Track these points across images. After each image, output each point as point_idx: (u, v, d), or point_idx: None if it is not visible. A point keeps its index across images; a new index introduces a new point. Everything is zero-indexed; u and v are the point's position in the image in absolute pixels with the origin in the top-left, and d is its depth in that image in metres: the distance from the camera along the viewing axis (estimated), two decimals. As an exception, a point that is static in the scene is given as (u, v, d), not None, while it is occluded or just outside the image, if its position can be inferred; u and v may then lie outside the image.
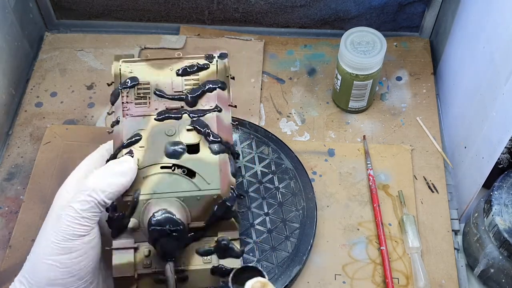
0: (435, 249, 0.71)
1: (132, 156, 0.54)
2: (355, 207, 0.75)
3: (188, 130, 0.57)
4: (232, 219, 0.56)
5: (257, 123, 0.80)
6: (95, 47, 0.91)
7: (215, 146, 0.56)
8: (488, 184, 0.68)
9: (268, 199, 0.73)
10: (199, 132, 0.57)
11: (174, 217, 0.52)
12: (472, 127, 0.72)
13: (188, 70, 0.60)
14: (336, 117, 0.83)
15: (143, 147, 0.56)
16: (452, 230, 0.73)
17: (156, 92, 0.58)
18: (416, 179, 0.77)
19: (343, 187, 0.76)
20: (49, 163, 0.77)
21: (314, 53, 0.90)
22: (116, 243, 0.55)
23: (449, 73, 0.83)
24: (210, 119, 0.58)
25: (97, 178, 0.52)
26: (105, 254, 0.56)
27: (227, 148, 0.57)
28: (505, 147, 0.68)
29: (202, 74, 0.60)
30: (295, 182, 0.74)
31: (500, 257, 0.65)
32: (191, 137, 0.57)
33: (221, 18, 0.92)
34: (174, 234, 0.52)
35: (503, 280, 0.66)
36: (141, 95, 0.58)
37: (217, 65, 0.60)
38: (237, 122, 0.79)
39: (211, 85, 0.59)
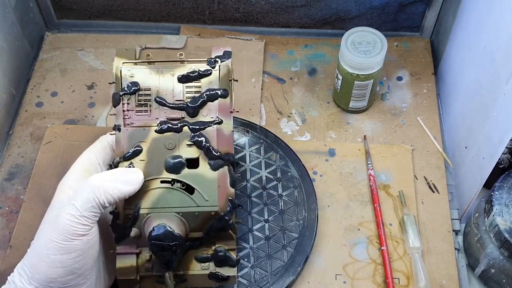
0: (436, 249, 0.71)
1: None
2: (356, 207, 0.75)
3: (188, 145, 0.57)
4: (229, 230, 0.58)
5: (257, 123, 0.80)
6: (96, 47, 0.91)
7: (215, 162, 0.57)
8: (489, 184, 0.68)
9: (270, 206, 0.73)
10: (199, 147, 0.57)
11: (173, 232, 0.54)
12: (473, 127, 0.72)
13: (190, 76, 0.59)
14: (337, 117, 0.83)
15: (144, 160, 0.57)
16: (453, 230, 0.73)
17: (157, 99, 0.58)
18: (417, 179, 0.77)
19: (343, 187, 0.76)
20: (49, 163, 0.77)
21: (315, 53, 0.90)
22: (119, 248, 0.57)
23: (450, 73, 0.83)
24: (210, 132, 0.58)
25: (103, 179, 0.52)
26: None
27: (227, 160, 0.58)
28: (506, 147, 0.68)
29: (204, 81, 0.59)
30: (299, 192, 0.74)
31: (501, 257, 0.65)
32: (191, 151, 0.57)
33: (221, 18, 0.92)
34: (173, 248, 0.54)
35: (504, 281, 0.66)
36: (142, 102, 0.58)
37: (219, 71, 0.59)
38: (248, 128, 0.79)
39: (212, 95, 0.59)
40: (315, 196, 0.73)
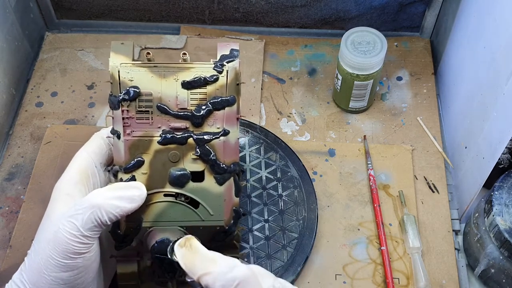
0: (436, 249, 0.71)
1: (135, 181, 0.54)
2: (356, 207, 0.75)
3: (193, 158, 0.54)
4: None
5: (257, 123, 0.80)
6: (96, 47, 0.91)
7: (221, 176, 0.55)
8: (489, 184, 0.68)
9: (270, 206, 0.73)
10: (204, 161, 0.55)
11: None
12: (473, 127, 0.72)
13: (195, 83, 0.54)
14: (337, 117, 0.83)
15: (146, 173, 0.54)
16: (453, 230, 0.73)
17: (160, 106, 0.54)
18: (417, 179, 0.77)
19: (343, 187, 0.76)
20: (49, 163, 0.77)
21: (315, 53, 0.90)
22: (120, 253, 0.56)
23: (450, 73, 0.83)
24: (216, 145, 0.55)
25: (104, 197, 0.50)
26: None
27: (233, 171, 0.55)
28: (506, 147, 0.68)
29: (210, 88, 0.55)
30: (298, 192, 0.74)
31: (501, 257, 0.65)
32: (196, 164, 0.55)
33: (221, 18, 0.92)
34: (176, 261, 0.52)
35: (504, 280, 0.66)
36: (143, 108, 0.54)
37: (227, 76, 0.55)
38: (247, 127, 0.78)
39: (219, 103, 0.54)
40: (315, 196, 0.73)
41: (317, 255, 0.71)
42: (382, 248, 0.71)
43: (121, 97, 0.54)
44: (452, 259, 0.71)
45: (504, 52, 0.63)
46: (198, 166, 0.55)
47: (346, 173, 0.77)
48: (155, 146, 0.54)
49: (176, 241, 0.51)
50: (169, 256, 0.50)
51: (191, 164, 0.55)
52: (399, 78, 0.87)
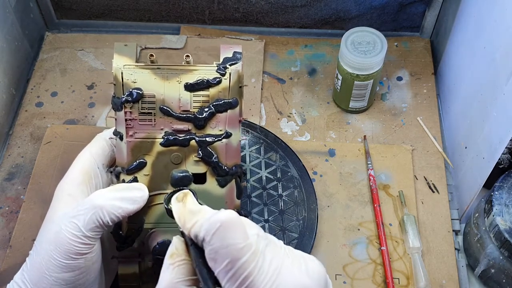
0: (436, 249, 0.71)
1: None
2: (356, 207, 0.75)
3: (195, 160, 0.54)
4: None
5: (257, 123, 0.80)
6: (96, 47, 0.91)
7: (223, 179, 0.55)
8: (489, 184, 0.68)
9: (270, 206, 0.73)
10: (206, 163, 0.55)
11: None
12: (473, 127, 0.72)
13: (198, 86, 0.55)
14: (337, 117, 0.83)
15: (148, 174, 0.54)
16: (453, 230, 0.73)
17: (162, 108, 0.54)
18: (417, 179, 0.77)
19: (343, 187, 0.76)
20: (49, 163, 0.77)
21: (315, 53, 0.90)
22: (121, 254, 0.55)
23: (450, 73, 0.83)
24: (219, 147, 0.55)
25: (106, 198, 0.50)
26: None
27: (235, 173, 0.55)
28: (506, 147, 0.68)
29: (213, 90, 0.55)
30: (299, 192, 0.74)
31: (501, 257, 0.65)
32: (198, 166, 0.55)
33: (221, 18, 0.92)
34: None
35: (504, 281, 0.66)
36: (146, 110, 0.54)
37: (229, 79, 0.55)
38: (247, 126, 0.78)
39: (221, 106, 0.55)
40: (315, 196, 0.73)
41: (317, 255, 0.71)
42: (382, 248, 0.71)
43: (124, 99, 0.54)
44: (452, 259, 0.71)
45: (504, 52, 0.63)
46: (200, 168, 0.55)
47: (346, 173, 0.77)
48: (158, 148, 0.54)
49: (175, 191, 0.50)
50: (166, 205, 0.50)
51: (193, 166, 0.55)
52: (399, 78, 0.87)
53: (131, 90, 0.54)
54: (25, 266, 0.51)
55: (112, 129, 0.56)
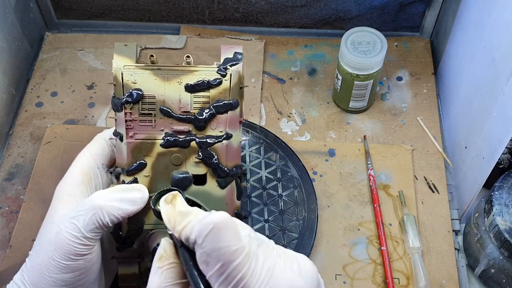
0: (436, 249, 0.71)
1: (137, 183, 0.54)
2: (356, 207, 0.75)
3: (195, 162, 0.54)
4: None
5: (257, 123, 0.80)
6: (96, 47, 0.91)
7: (223, 180, 0.55)
8: (489, 184, 0.68)
9: (270, 206, 0.73)
10: (207, 165, 0.54)
11: None
12: (473, 127, 0.72)
13: (198, 87, 0.54)
14: (337, 117, 0.83)
15: (148, 175, 0.54)
16: (453, 230, 0.73)
17: (162, 109, 0.54)
18: (417, 179, 0.77)
19: (343, 187, 0.76)
20: (49, 163, 0.77)
21: (315, 53, 0.90)
22: (121, 254, 0.55)
23: (450, 73, 0.83)
24: (219, 149, 0.54)
25: (106, 199, 0.50)
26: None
27: (235, 174, 0.55)
28: (506, 147, 0.68)
29: (213, 91, 0.55)
30: (299, 192, 0.74)
31: (501, 257, 0.65)
32: (198, 168, 0.54)
33: (221, 18, 0.92)
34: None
35: (504, 281, 0.66)
36: (146, 111, 0.54)
37: (230, 80, 0.55)
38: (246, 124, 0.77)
39: (222, 107, 0.54)
40: (315, 196, 0.73)
41: (317, 255, 0.71)
42: (382, 248, 0.71)
43: (124, 100, 0.54)
44: (452, 259, 0.71)
45: (504, 52, 0.63)
46: (200, 170, 0.54)
47: (346, 173, 0.77)
48: (158, 149, 0.54)
49: (162, 192, 0.50)
50: (153, 206, 0.50)
51: (193, 167, 0.54)
52: (399, 78, 0.87)
53: (131, 91, 0.54)
54: (24, 267, 0.51)
55: (112, 129, 0.56)
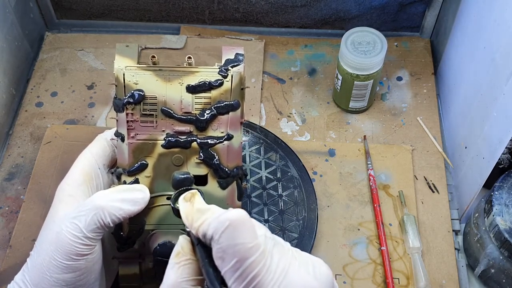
0: (436, 249, 0.71)
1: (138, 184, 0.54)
2: (356, 207, 0.75)
3: (196, 162, 0.54)
4: None
5: (257, 123, 0.80)
6: (96, 47, 0.91)
7: (224, 181, 0.55)
8: (489, 184, 0.68)
9: (270, 206, 0.73)
10: (208, 165, 0.55)
11: None
12: (473, 127, 0.72)
13: (200, 88, 0.54)
14: (337, 117, 0.83)
15: (149, 176, 0.54)
16: (453, 230, 0.73)
17: (164, 110, 0.54)
18: (417, 179, 0.77)
19: (343, 187, 0.76)
20: (49, 163, 0.77)
21: (315, 53, 0.90)
22: (122, 254, 0.55)
23: (450, 73, 0.83)
24: (220, 150, 0.55)
25: (107, 199, 0.50)
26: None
27: (236, 175, 0.55)
28: (506, 147, 0.68)
29: (215, 92, 0.55)
30: (299, 192, 0.74)
31: (501, 257, 0.65)
32: (199, 168, 0.55)
33: (221, 18, 0.92)
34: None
35: (504, 281, 0.66)
36: (148, 111, 0.54)
37: (231, 81, 0.55)
38: (246, 124, 0.77)
39: (223, 108, 0.55)
40: (315, 196, 0.73)
41: (317, 255, 0.69)
42: (382, 248, 0.71)
43: (126, 100, 0.54)
44: (452, 259, 0.71)
45: (504, 52, 0.63)
46: (202, 170, 0.55)
47: (346, 173, 0.77)
48: (159, 149, 0.54)
49: (182, 191, 0.50)
50: (172, 205, 0.50)
51: (194, 168, 0.55)
52: (399, 78, 0.87)
53: (133, 91, 0.54)
54: (25, 267, 0.51)
55: (113, 130, 0.56)
